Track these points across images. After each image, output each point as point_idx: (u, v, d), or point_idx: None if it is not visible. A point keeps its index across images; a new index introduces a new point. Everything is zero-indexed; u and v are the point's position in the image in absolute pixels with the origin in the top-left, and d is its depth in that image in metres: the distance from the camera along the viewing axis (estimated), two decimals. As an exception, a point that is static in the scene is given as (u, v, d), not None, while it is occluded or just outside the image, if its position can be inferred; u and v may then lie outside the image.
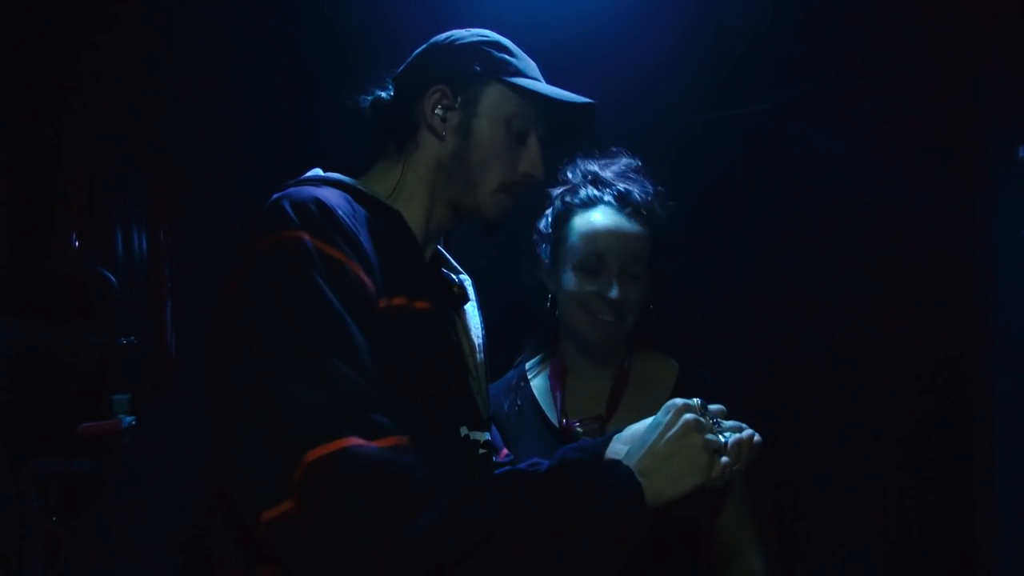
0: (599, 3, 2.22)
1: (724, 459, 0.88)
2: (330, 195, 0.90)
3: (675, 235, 1.42)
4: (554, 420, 1.37)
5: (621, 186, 1.36)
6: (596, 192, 1.37)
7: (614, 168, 1.41)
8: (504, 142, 1.02)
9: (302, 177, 0.99)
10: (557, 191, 1.42)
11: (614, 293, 1.29)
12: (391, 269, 0.91)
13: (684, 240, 2.19)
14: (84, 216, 1.95)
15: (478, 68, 1.01)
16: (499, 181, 1.03)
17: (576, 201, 1.38)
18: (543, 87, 1.04)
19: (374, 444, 0.75)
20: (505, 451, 1.21)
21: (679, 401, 0.93)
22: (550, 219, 1.42)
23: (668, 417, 0.91)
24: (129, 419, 1.85)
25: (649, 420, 0.95)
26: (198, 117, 2.10)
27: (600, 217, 1.34)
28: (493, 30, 1.08)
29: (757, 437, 0.93)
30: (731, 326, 2.63)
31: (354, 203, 0.94)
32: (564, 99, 1.03)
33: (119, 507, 1.88)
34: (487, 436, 1.06)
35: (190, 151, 2.11)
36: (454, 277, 1.17)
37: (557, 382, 1.41)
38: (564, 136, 1.14)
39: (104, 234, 1.97)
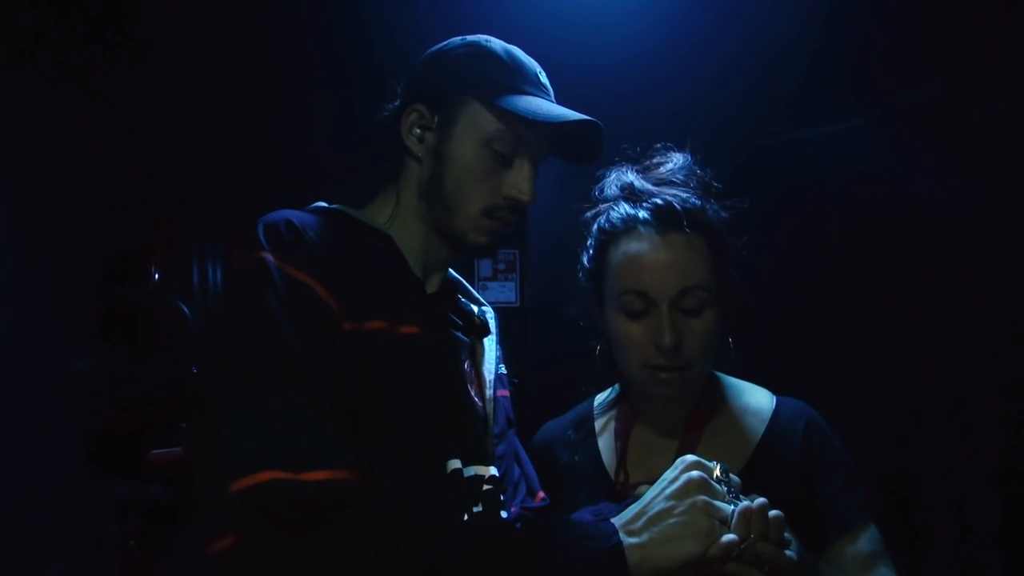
0: (690, 22, 2.16)
1: (730, 536, 0.75)
2: (308, 219, 0.88)
3: (740, 241, 1.10)
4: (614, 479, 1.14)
5: (659, 198, 1.04)
6: (631, 210, 1.06)
7: (657, 172, 1.10)
8: (484, 165, 0.93)
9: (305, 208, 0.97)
10: (591, 213, 1.15)
11: (668, 339, 1.00)
12: (372, 293, 0.87)
13: (774, 257, 2.09)
14: (165, 252, 2.07)
15: (457, 85, 0.94)
16: (479, 207, 0.95)
17: (609, 226, 1.08)
18: (523, 105, 0.91)
19: (300, 477, 0.72)
20: (541, 494, 1.08)
21: (691, 457, 0.82)
22: (591, 250, 1.13)
23: (674, 472, 0.81)
24: (199, 447, 1.91)
25: None
26: (268, 162, 2.23)
27: (638, 244, 1.03)
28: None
29: (775, 512, 0.78)
30: (830, 351, 2.46)
31: (342, 229, 0.91)
32: (546, 119, 0.90)
33: (189, 533, 1.92)
34: (493, 471, 0.97)
35: (261, 193, 2.22)
36: (474, 308, 1.10)
37: (622, 430, 1.16)
38: (579, 155, 1.02)
39: (182, 269, 2.09)
